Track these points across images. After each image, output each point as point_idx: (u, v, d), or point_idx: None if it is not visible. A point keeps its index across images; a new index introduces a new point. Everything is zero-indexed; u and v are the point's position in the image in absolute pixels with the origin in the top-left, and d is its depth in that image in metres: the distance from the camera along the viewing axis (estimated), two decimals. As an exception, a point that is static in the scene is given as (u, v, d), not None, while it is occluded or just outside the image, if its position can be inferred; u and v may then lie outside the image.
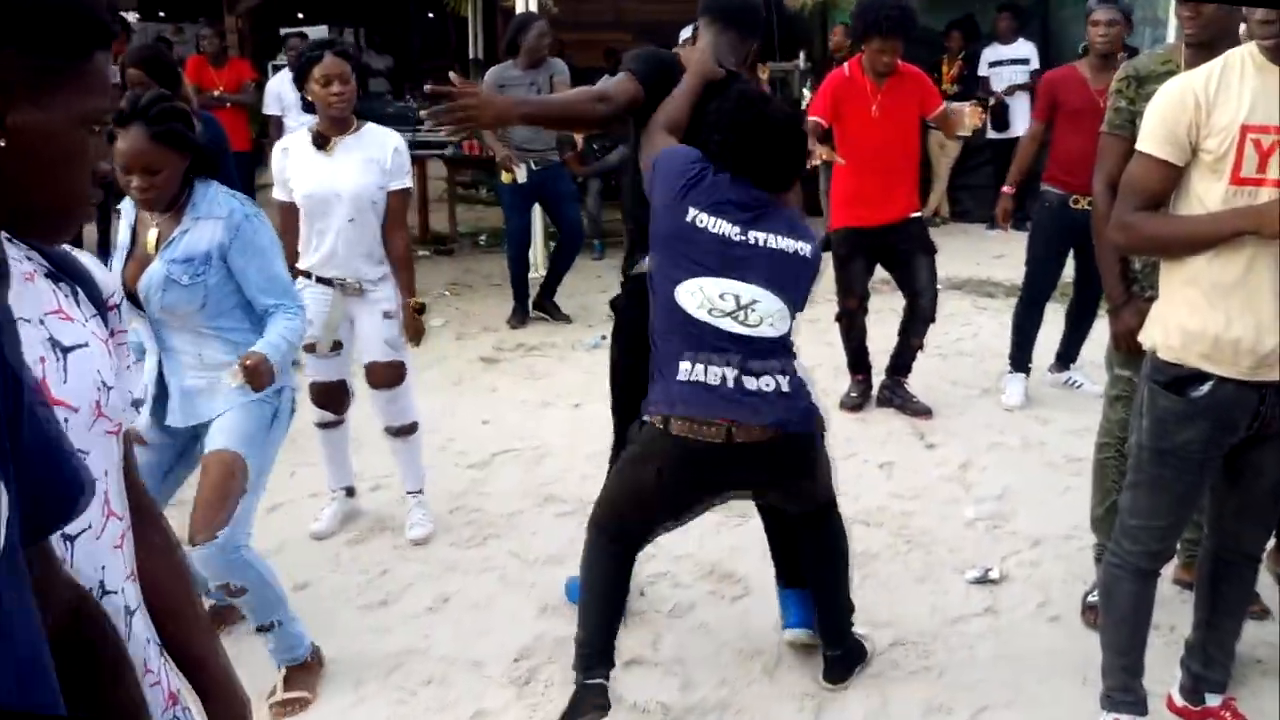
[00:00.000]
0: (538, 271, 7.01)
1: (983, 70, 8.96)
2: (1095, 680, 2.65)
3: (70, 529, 1.11)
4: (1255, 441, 2.33)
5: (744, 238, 2.55)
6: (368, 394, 3.76)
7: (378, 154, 3.49)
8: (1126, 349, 2.94)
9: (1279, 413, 2.27)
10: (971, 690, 2.86)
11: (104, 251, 7.26)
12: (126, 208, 2.81)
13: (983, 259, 7.80)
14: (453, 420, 4.91)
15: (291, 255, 3.54)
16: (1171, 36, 8.56)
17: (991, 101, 8.69)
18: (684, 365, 2.52)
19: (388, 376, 3.65)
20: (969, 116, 4.43)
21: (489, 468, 4.39)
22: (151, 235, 2.68)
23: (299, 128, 4.71)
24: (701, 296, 2.52)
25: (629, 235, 3.07)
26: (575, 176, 8.24)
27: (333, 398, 3.75)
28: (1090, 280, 5.00)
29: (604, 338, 4.74)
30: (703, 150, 2.62)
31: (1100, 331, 5.63)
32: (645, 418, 2.62)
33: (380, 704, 2.83)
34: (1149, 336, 2.37)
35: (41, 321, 1.14)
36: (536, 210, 6.87)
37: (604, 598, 2.71)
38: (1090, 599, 3.15)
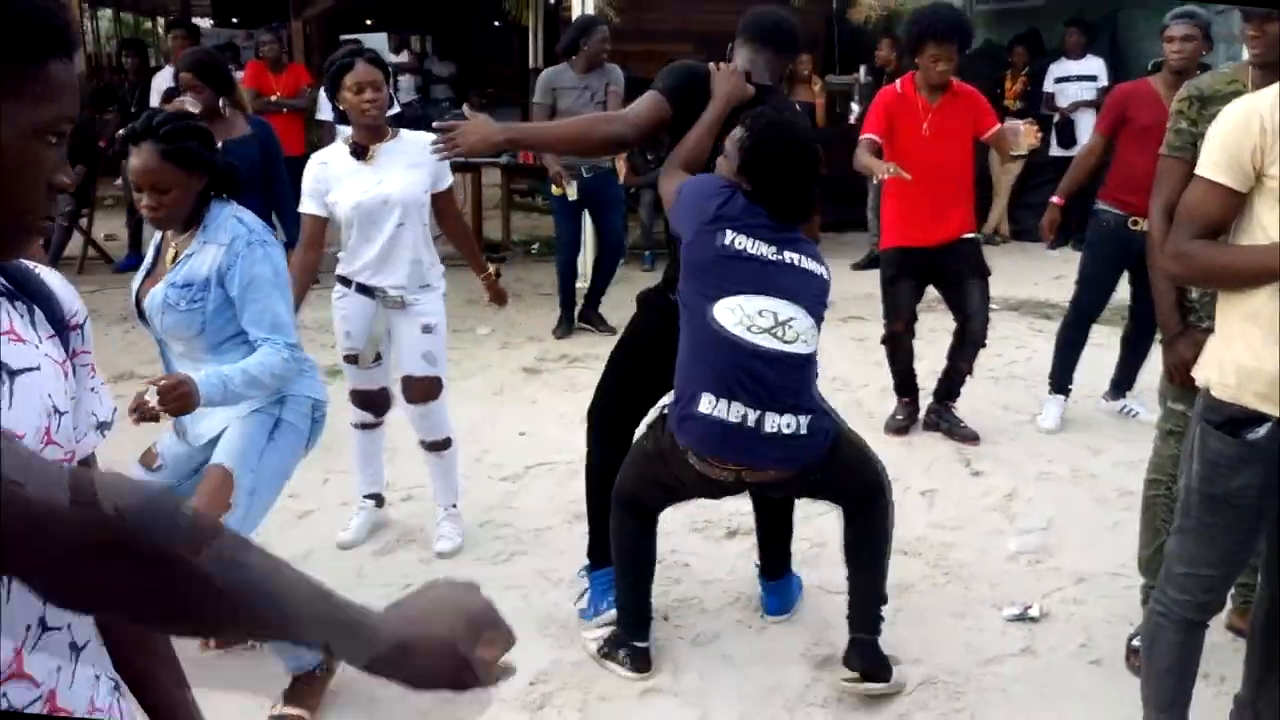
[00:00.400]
0: (586, 281, 6.95)
1: (1048, 86, 8.75)
2: (1135, 731, 2.51)
3: None
4: (1314, 488, 2.18)
5: (780, 257, 2.64)
6: (404, 404, 3.72)
7: (420, 158, 3.45)
8: (1180, 382, 2.81)
9: (1340, 459, 2.12)
10: (1004, 736, 2.73)
11: (135, 255, 7.36)
12: None
13: (1041, 280, 7.60)
14: (490, 431, 4.87)
15: (312, 270, 3.56)
16: (1247, 54, 8.29)
17: (1056, 118, 8.48)
18: (707, 398, 2.58)
19: (424, 391, 3.61)
20: (1024, 136, 4.27)
21: (522, 481, 4.33)
22: (169, 254, 2.67)
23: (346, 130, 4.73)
24: (741, 314, 2.58)
25: (670, 251, 3.09)
26: (628, 187, 8.20)
27: (374, 402, 3.74)
28: (1147, 305, 4.80)
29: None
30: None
31: (1160, 359, 5.46)
32: (665, 420, 2.74)
33: (391, 724, 2.78)
34: (1203, 373, 2.23)
35: None
36: (587, 219, 6.81)
37: (630, 563, 2.92)
38: (1135, 643, 2.99)
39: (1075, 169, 4.85)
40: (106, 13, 18.86)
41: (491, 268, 3.83)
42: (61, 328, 1.19)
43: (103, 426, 1.28)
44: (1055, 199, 4.88)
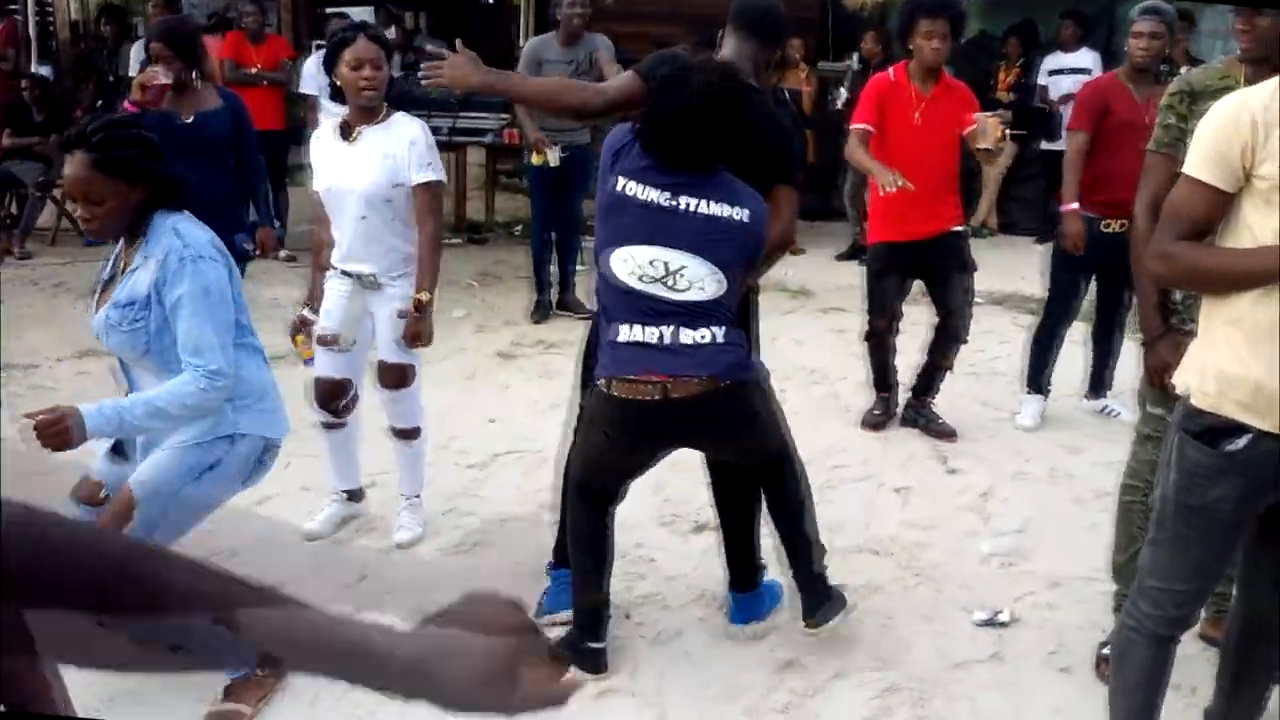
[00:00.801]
0: (561, 260, 6.83)
1: (1041, 78, 8.64)
2: (1103, 745, 2.44)
3: None
4: (1293, 502, 2.10)
5: (673, 203, 2.62)
6: (377, 387, 3.61)
7: (395, 148, 3.31)
8: (1160, 386, 2.72)
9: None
10: (968, 746, 2.65)
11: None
12: None
13: (1027, 273, 7.48)
14: (460, 416, 4.76)
15: (324, 240, 3.47)
16: (1242, 51, 8.21)
17: (1048, 109, 8.39)
18: (623, 329, 2.65)
19: (395, 377, 3.51)
20: (991, 130, 4.11)
21: (489, 469, 4.24)
22: (121, 268, 2.56)
23: (338, 109, 4.58)
24: (632, 264, 2.63)
25: None
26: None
27: (334, 397, 3.57)
28: (1114, 302, 4.77)
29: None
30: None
31: (1139, 360, 5.40)
32: (594, 382, 2.76)
33: (334, 724, 2.68)
34: (1182, 380, 2.14)
35: None
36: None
37: (585, 556, 2.89)
38: (1105, 651, 2.92)
39: (1072, 169, 4.50)
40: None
41: (424, 297, 3.35)
42: None
43: None
44: (1071, 206, 4.47)
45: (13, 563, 0.79)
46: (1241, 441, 2.02)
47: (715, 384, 2.62)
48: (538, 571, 3.39)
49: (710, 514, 3.77)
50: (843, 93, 8.56)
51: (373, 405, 3.71)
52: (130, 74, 6.86)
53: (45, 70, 9.83)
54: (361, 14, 9.48)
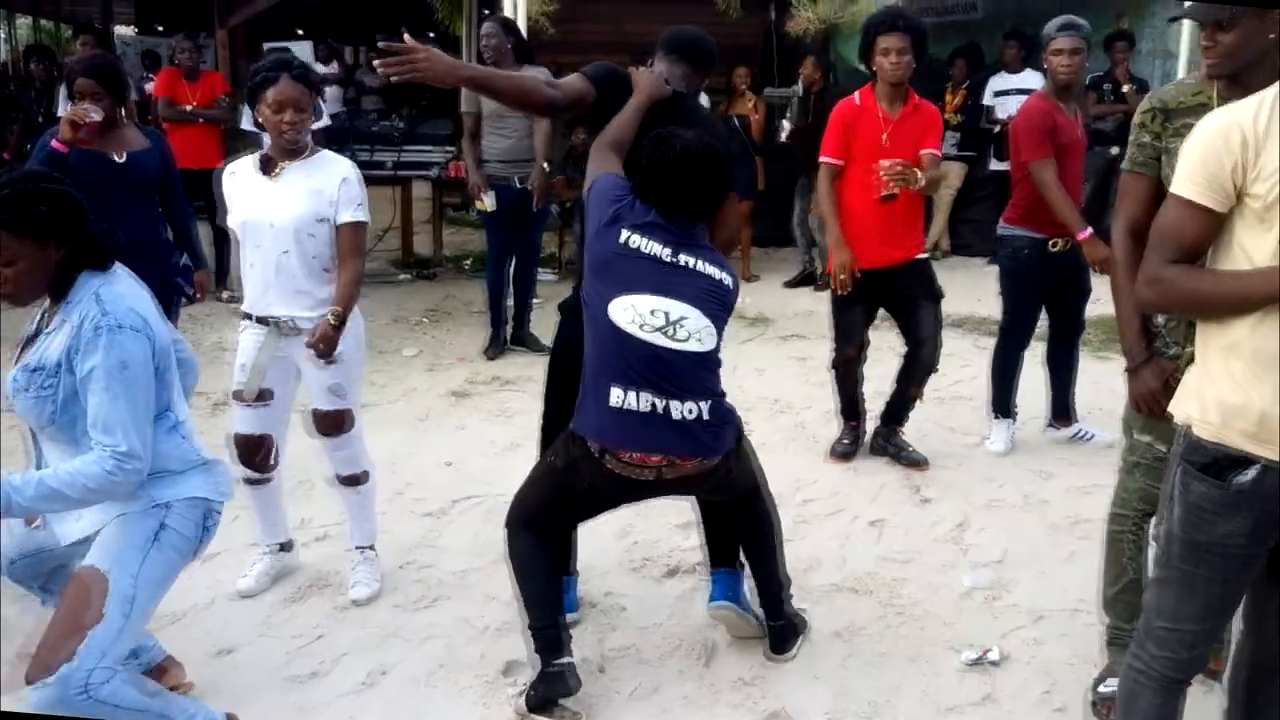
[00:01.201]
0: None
1: (987, 99, 8.69)
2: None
3: None
4: (1306, 536, 1.99)
5: (675, 259, 2.70)
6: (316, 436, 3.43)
7: (323, 184, 3.18)
8: (1147, 412, 2.63)
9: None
10: (966, 799, 2.52)
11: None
12: None
13: (984, 295, 7.42)
14: (413, 461, 4.58)
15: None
16: (1182, 69, 8.30)
17: (997, 129, 8.42)
18: (615, 392, 2.64)
19: (331, 424, 3.33)
20: (886, 177, 4.04)
21: (446, 517, 4.05)
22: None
23: None
24: (633, 312, 2.65)
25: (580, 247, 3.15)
26: (565, 201, 7.96)
27: (255, 454, 3.38)
28: (1067, 322, 4.72)
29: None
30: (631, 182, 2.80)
31: (1097, 377, 5.39)
32: (575, 431, 2.73)
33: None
34: (1182, 409, 2.04)
35: None
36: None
37: (536, 583, 2.86)
38: (1102, 689, 2.81)
39: (1060, 198, 4.26)
40: (26, 20, 18.14)
41: (339, 310, 3.16)
42: None
43: None
44: (1087, 233, 4.24)
45: None
46: (1250, 474, 1.92)
47: (706, 464, 2.72)
48: (503, 626, 3.23)
49: (682, 557, 3.64)
50: (785, 124, 8.53)
51: (319, 452, 3.53)
52: (62, 113, 6.62)
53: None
54: (302, 49, 9.28)
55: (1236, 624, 2.28)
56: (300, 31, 13.41)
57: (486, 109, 5.91)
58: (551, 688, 2.73)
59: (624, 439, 2.64)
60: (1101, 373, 5.48)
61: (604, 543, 3.76)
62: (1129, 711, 2.19)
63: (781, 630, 3.06)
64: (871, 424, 4.73)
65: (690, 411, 2.65)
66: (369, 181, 3.54)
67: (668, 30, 3.19)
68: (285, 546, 3.55)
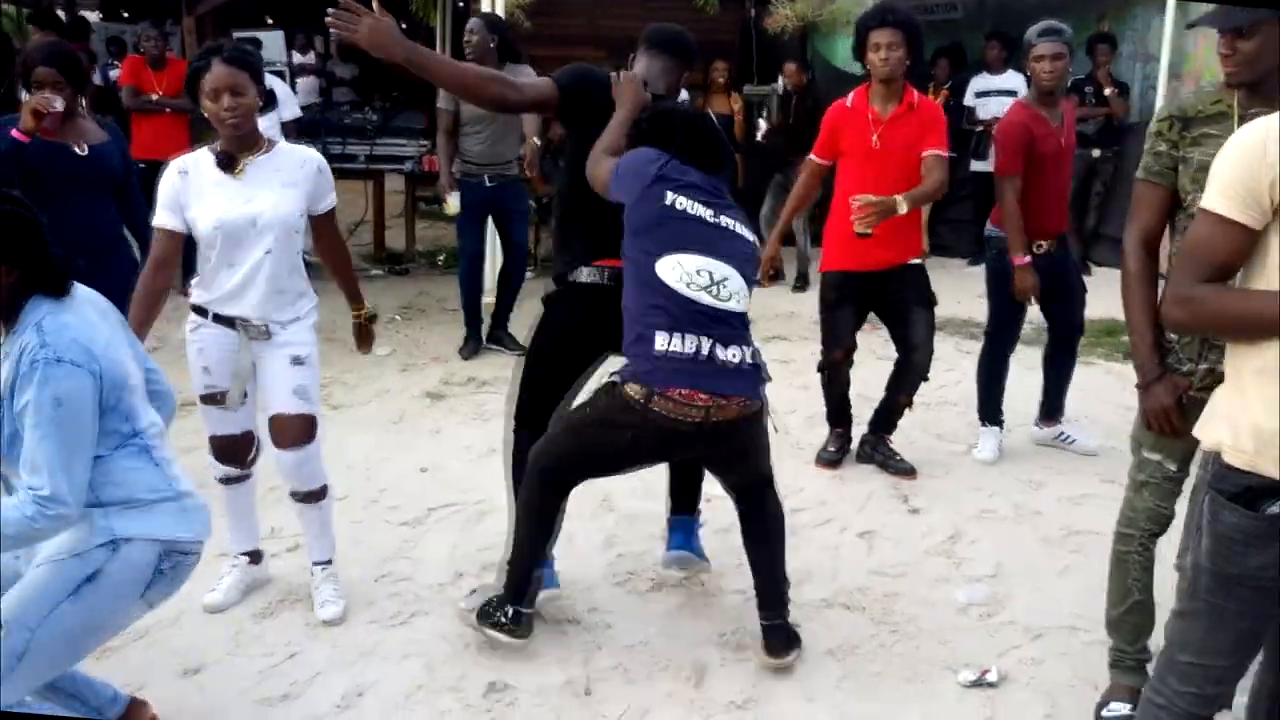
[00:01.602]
0: (493, 297, 6.52)
1: (969, 100, 8.62)
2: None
3: None
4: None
5: (717, 220, 2.83)
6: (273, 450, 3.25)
7: (297, 176, 3.04)
8: (1160, 430, 2.54)
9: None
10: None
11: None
12: None
13: (964, 297, 7.39)
14: (388, 467, 4.44)
15: (161, 293, 3.05)
16: (1163, 73, 8.27)
17: (978, 130, 8.36)
18: (660, 336, 2.71)
19: (296, 432, 3.13)
20: (858, 215, 3.91)
21: (423, 525, 3.91)
22: None
23: (268, 128, 4.23)
24: (681, 270, 2.75)
25: (558, 242, 3.23)
26: (541, 197, 7.81)
27: (240, 450, 3.25)
28: (1066, 324, 4.66)
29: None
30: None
31: (1085, 380, 5.32)
32: (618, 382, 2.77)
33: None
34: (1211, 435, 1.94)
35: None
36: (492, 228, 6.39)
37: (535, 535, 2.97)
38: (1105, 714, 2.73)
39: (1014, 220, 4.29)
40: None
41: (367, 307, 3.37)
42: None
43: None
44: (1023, 259, 4.30)
45: None
46: (1283, 502, 1.83)
47: (749, 407, 2.79)
48: (484, 644, 3.10)
49: (667, 573, 3.52)
50: (762, 124, 8.42)
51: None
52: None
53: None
54: (273, 37, 9.06)
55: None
56: (270, 20, 13.14)
57: (465, 112, 5.78)
58: (513, 625, 2.95)
59: (671, 379, 2.70)
60: (1084, 377, 5.41)
61: (588, 555, 3.65)
62: (1149, 748, 2.10)
63: (777, 630, 3.00)
64: (857, 430, 4.64)
65: (734, 356, 2.74)
66: (341, 175, 3.48)
67: (650, 26, 3.27)
68: (254, 558, 3.39)
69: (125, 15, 15.25)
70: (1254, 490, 1.85)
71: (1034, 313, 4.72)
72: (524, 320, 5.99)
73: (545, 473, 2.92)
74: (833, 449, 4.57)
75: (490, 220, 6.20)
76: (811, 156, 4.40)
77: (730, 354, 2.74)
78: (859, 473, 4.50)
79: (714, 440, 2.81)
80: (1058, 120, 4.38)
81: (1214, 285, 1.90)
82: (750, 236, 2.91)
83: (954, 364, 5.94)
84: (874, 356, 5.02)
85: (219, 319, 3.07)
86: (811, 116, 6.28)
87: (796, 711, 2.82)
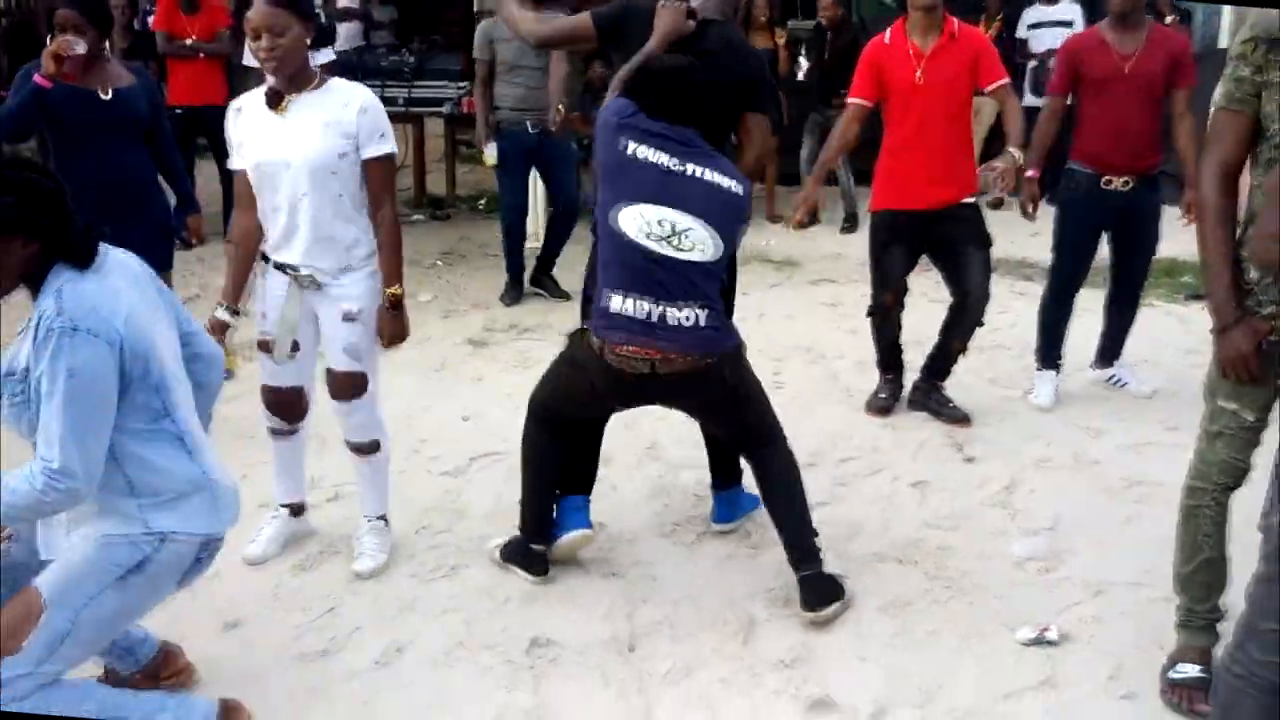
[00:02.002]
0: (536, 242, 6.41)
1: (1021, 32, 8.30)
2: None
3: None
4: None
5: (681, 168, 2.80)
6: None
7: (340, 114, 2.90)
8: (1236, 378, 2.39)
9: None
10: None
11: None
12: None
13: (1017, 237, 7.10)
14: (430, 416, 4.38)
15: (254, 235, 3.02)
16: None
17: (1033, 63, 8.05)
18: (615, 298, 2.80)
19: (345, 388, 3.08)
20: (995, 180, 3.82)
21: (465, 475, 3.85)
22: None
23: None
24: (641, 221, 2.78)
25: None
26: (582, 138, 7.65)
27: (286, 405, 3.18)
28: (1130, 266, 4.47)
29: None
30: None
31: (1144, 322, 5.11)
32: (586, 329, 2.90)
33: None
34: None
35: None
36: (535, 174, 6.26)
37: (537, 472, 3.11)
38: (1173, 674, 2.61)
39: (1039, 135, 4.36)
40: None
41: (398, 290, 3.01)
42: None
43: None
44: (1030, 172, 4.29)
45: None
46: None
47: (699, 361, 2.80)
48: (526, 595, 3.04)
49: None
50: (803, 62, 8.16)
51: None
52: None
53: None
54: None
55: None
56: (307, -40, 12.97)
57: (500, 57, 5.68)
58: (529, 562, 3.09)
59: (617, 336, 2.79)
60: (1143, 319, 5.20)
61: (634, 506, 3.57)
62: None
63: (812, 582, 2.91)
64: (909, 376, 4.50)
65: (687, 319, 2.78)
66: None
67: None
68: (296, 510, 3.35)
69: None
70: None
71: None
72: (568, 263, 5.89)
73: (533, 407, 3.10)
74: (884, 396, 4.44)
75: (535, 171, 6.08)
76: (852, 99, 4.18)
77: (684, 315, 2.77)
78: (911, 420, 4.37)
79: (671, 391, 2.91)
80: (1131, 46, 4.13)
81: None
82: (729, 183, 2.83)
83: (1007, 305, 5.74)
84: (926, 299, 4.85)
85: (277, 266, 3.01)
86: (848, 54, 6.06)
87: (847, 670, 2.73)
